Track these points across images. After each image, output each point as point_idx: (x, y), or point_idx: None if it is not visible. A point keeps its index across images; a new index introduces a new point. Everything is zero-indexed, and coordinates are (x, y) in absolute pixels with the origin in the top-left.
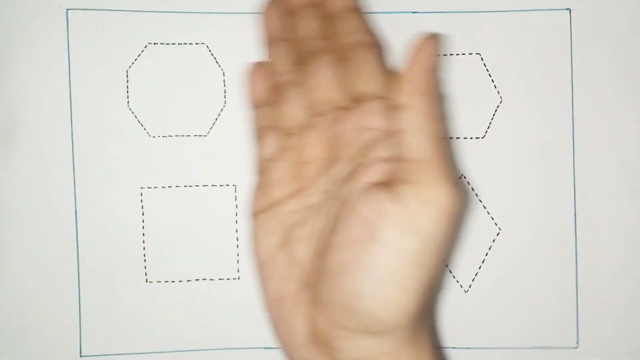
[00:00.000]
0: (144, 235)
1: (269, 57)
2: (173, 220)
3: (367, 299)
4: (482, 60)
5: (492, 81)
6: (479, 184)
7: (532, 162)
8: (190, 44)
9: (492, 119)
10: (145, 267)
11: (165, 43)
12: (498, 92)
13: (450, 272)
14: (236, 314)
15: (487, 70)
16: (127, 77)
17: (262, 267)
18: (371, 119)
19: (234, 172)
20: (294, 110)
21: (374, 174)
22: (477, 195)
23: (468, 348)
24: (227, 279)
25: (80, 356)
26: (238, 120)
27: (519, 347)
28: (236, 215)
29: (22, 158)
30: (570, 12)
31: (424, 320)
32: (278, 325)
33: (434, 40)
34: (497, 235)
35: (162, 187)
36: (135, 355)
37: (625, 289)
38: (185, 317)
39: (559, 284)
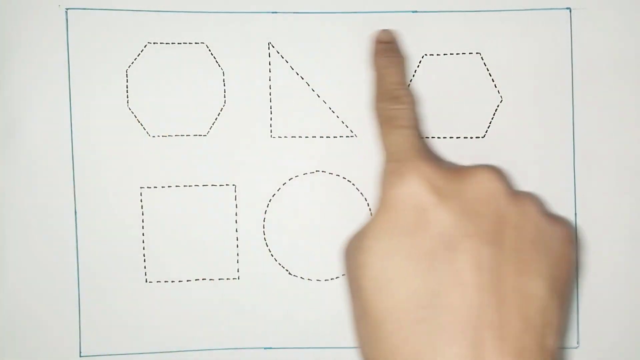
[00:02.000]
0: (143, 235)
1: None
2: (173, 220)
3: None
4: (482, 60)
5: (492, 81)
6: None
7: (532, 162)
8: (190, 43)
9: (492, 119)
10: (145, 267)
11: (165, 42)
12: (498, 91)
13: None
14: (236, 314)
15: (487, 70)
16: (127, 76)
17: None
18: None
19: (234, 172)
20: None
21: None
22: None
23: None
24: (227, 279)
25: (80, 356)
26: (238, 120)
27: None
28: (236, 215)
29: (21, 158)
30: (570, 11)
31: None
32: None
33: None
34: None
35: (162, 187)
36: (135, 355)
37: (625, 289)
38: (185, 317)
39: None
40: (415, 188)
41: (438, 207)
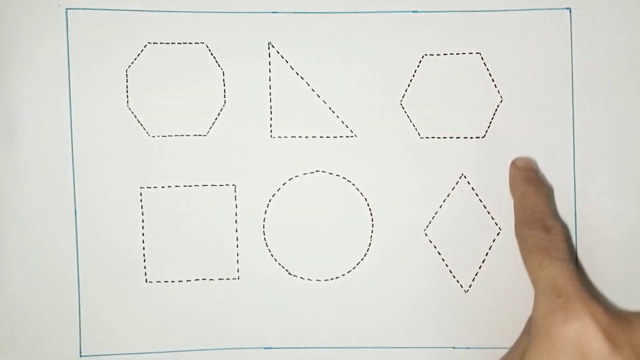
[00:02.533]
0: (143, 235)
1: None
2: (173, 220)
3: None
4: (482, 59)
5: (492, 81)
6: (479, 184)
7: None
8: (190, 43)
9: (492, 119)
10: (144, 267)
11: (165, 42)
12: (498, 91)
13: (451, 272)
14: (236, 314)
15: (487, 70)
16: (127, 76)
17: None
18: None
19: (234, 172)
20: None
21: None
22: (477, 195)
23: (468, 348)
24: (227, 279)
25: (80, 356)
26: (238, 120)
27: None
28: (236, 215)
29: (22, 158)
30: (570, 11)
31: None
32: None
33: None
34: (497, 235)
35: (162, 187)
36: (135, 355)
37: (625, 288)
38: (185, 317)
39: None
40: (585, 330)
41: (612, 356)
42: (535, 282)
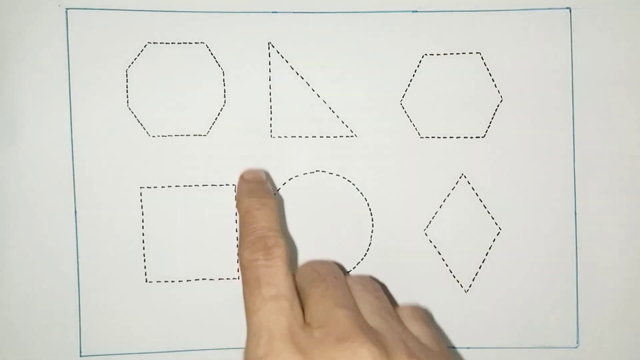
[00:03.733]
0: (143, 235)
1: None
2: (173, 220)
3: None
4: (483, 59)
5: (492, 81)
6: (479, 184)
7: (532, 162)
8: (189, 43)
9: (492, 119)
10: (145, 267)
11: (164, 42)
12: (498, 91)
13: (451, 272)
14: (236, 314)
15: (487, 70)
16: (127, 76)
17: None
18: None
19: (233, 172)
20: None
21: None
22: (477, 195)
23: (468, 348)
24: (227, 279)
25: (80, 356)
26: (238, 120)
27: (519, 347)
28: (236, 215)
29: (22, 158)
30: (570, 11)
31: None
32: None
33: None
34: (497, 235)
35: (162, 187)
36: (135, 355)
37: (625, 289)
38: (185, 317)
39: (559, 284)
40: None
41: None
42: (247, 324)
